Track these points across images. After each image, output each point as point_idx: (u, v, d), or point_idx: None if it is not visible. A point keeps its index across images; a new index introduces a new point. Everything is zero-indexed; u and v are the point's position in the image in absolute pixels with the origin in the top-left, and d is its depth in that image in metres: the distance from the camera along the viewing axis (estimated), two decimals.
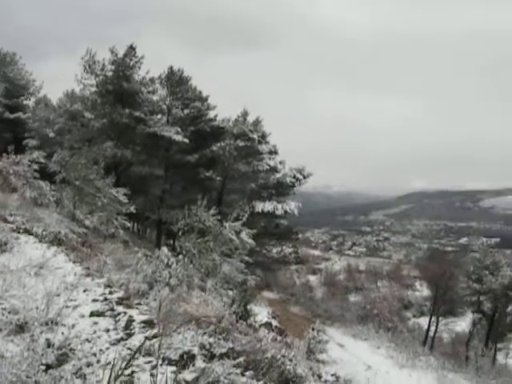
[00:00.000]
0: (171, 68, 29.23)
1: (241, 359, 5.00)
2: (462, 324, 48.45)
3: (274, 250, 34.34)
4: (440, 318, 34.13)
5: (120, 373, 3.59)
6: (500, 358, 33.62)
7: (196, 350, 5.08)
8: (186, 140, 27.01)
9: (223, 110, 31.51)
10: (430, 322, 33.40)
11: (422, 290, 71.02)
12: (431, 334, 32.88)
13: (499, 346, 34.01)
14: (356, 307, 39.13)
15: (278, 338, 13.38)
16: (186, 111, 29.60)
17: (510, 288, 29.77)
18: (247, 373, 4.76)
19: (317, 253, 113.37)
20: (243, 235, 15.38)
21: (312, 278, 69.32)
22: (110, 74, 27.28)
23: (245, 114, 31.34)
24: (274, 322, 19.17)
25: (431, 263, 41.69)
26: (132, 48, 27.45)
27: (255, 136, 29.25)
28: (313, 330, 18.23)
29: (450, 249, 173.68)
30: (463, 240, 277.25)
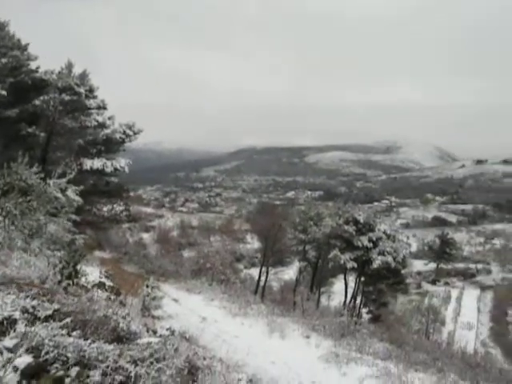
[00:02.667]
0: None
1: (68, 320, 4.74)
2: (290, 272, 51.67)
3: (105, 209, 33.26)
4: (270, 268, 35.78)
5: None
6: (323, 300, 36.43)
7: (17, 315, 4.71)
8: (4, 92, 24.79)
9: (59, 61, 29.06)
10: (260, 272, 34.85)
11: (253, 243, 74.27)
12: (262, 283, 34.40)
13: (322, 290, 36.81)
14: (190, 262, 39.66)
15: (112, 297, 13.11)
16: (4, 60, 27.09)
17: (331, 236, 31.94)
18: (74, 333, 4.52)
19: (149, 210, 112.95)
20: (69, 193, 14.62)
21: (145, 236, 69.04)
22: None
23: (69, 66, 29.36)
24: (108, 282, 18.69)
25: (261, 217, 43.26)
26: None
27: (82, 90, 27.72)
28: (147, 287, 18.10)
29: (278, 202, 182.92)
30: (290, 194, 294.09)
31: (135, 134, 30.59)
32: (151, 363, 4.11)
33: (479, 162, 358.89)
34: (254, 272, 44.98)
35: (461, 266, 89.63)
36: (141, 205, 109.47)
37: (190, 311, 18.48)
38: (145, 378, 3.91)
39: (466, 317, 62.37)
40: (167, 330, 10.35)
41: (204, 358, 6.58)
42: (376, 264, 30.57)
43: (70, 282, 9.44)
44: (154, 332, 8.70)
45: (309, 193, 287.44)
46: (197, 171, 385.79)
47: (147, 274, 28.43)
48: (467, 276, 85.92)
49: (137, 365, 4.03)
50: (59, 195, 14.02)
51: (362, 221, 32.08)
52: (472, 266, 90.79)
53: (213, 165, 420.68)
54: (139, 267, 32.24)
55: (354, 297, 34.00)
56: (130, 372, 3.94)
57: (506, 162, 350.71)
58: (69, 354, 3.93)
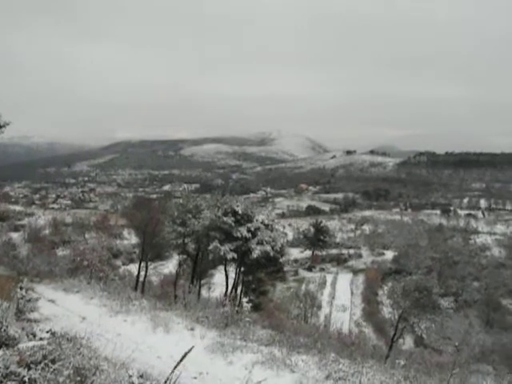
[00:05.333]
0: None
1: None
2: (170, 266, 51.56)
3: None
4: (149, 263, 35.44)
5: None
6: (204, 292, 36.66)
7: None
8: None
9: None
10: (139, 267, 34.45)
11: (130, 238, 73.05)
12: (142, 278, 33.99)
13: (203, 281, 37.08)
14: (65, 261, 38.13)
15: None
16: None
17: (211, 228, 32.09)
18: None
19: (18, 208, 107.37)
20: None
21: (15, 235, 65.52)
22: None
23: None
24: None
25: (137, 211, 42.70)
26: None
27: None
28: (20, 289, 17.31)
29: (154, 196, 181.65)
30: (167, 187, 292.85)
31: (1, 127, 28.78)
32: (46, 365, 3.93)
33: (349, 152, 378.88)
34: (133, 268, 44.35)
35: (334, 251, 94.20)
36: (8, 202, 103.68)
37: (69, 311, 17.90)
38: (40, 381, 3.72)
39: (340, 300, 65.73)
40: (47, 332, 10.00)
41: (90, 358, 6.42)
42: (255, 254, 31.10)
43: None
44: (34, 335, 8.37)
45: (185, 186, 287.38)
46: (69, 166, 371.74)
47: (19, 275, 27.06)
48: (340, 261, 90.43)
49: (30, 368, 3.84)
50: None
51: (240, 212, 32.46)
52: (344, 251, 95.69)
53: (86, 159, 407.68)
54: (10, 269, 30.49)
55: (234, 287, 34.45)
56: (24, 376, 3.74)
57: (372, 152, 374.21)
58: None
